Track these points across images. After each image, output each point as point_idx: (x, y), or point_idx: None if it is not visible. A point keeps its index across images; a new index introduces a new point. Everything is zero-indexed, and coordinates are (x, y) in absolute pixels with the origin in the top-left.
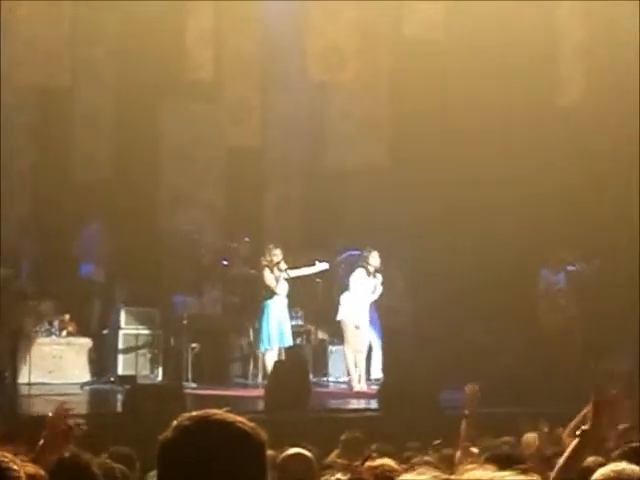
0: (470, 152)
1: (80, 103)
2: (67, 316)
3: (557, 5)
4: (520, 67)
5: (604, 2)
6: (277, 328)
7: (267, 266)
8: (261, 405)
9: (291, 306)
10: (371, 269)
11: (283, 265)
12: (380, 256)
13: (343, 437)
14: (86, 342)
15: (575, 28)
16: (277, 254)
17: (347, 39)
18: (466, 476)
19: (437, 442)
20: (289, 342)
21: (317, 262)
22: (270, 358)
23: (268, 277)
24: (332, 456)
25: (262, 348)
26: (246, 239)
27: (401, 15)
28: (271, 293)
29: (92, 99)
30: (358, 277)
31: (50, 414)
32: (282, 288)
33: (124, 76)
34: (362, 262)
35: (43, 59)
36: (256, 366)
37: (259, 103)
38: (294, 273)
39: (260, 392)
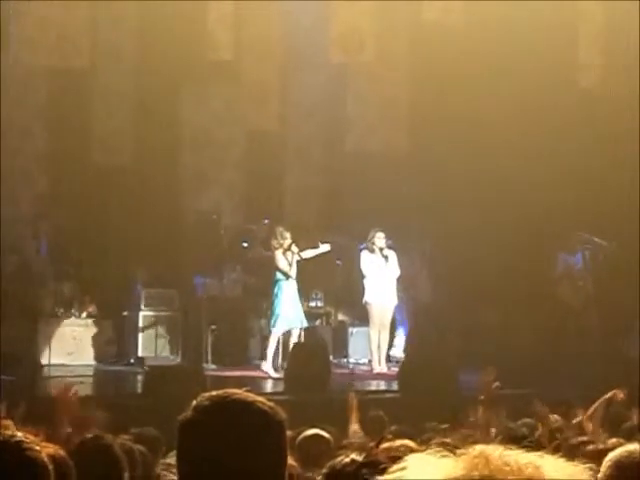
0: (488, 135)
1: (99, 84)
2: (87, 297)
3: None
4: (539, 50)
5: None
6: (293, 310)
7: (278, 249)
8: (281, 386)
9: (311, 288)
10: (375, 249)
11: (295, 248)
12: (396, 238)
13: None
14: (106, 324)
15: (595, 11)
16: (287, 237)
17: (367, 22)
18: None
19: (444, 426)
20: (305, 323)
21: (320, 243)
22: (287, 340)
23: (281, 260)
24: (350, 432)
25: (278, 330)
26: (265, 221)
27: None
28: (284, 275)
29: (111, 80)
30: (364, 258)
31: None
32: (294, 271)
33: (143, 57)
34: (367, 243)
35: (60, 40)
36: (277, 348)
37: (279, 85)
38: (305, 255)
39: (280, 373)
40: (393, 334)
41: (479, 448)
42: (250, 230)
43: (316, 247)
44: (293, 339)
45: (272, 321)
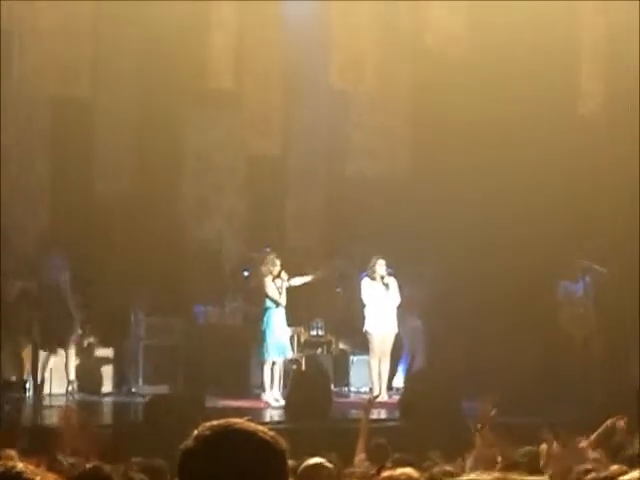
0: (489, 162)
1: (101, 113)
2: (88, 326)
3: (578, 16)
4: (541, 78)
5: (626, 14)
6: (281, 339)
7: (267, 276)
8: (282, 415)
9: (311, 316)
10: (376, 276)
11: (284, 275)
12: (397, 264)
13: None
14: (107, 352)
15: (596, 38)
16: (277, 264)
17: (369, 50)
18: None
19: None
20: (290, 354)
21: (311, 270)
22: (275, 369)
23: (270, 287)
24: (356, 460)
25: (267, 359)
26: (267, 249)
27: (423, 27)
28: (274, 303)
29: (113, 109)
30: (364, 286)
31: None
32: (284, 298)
33: (146, 85)
34: (367, 270)
35: (63, 70)
36: (278, 377)
37: (281, 112)
38: (295, 282)
39: (281, 403)
40: (394, 362)
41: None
42: (251, 258)
43: (307, 274)
44: (279, 368)
45: (263, 350)
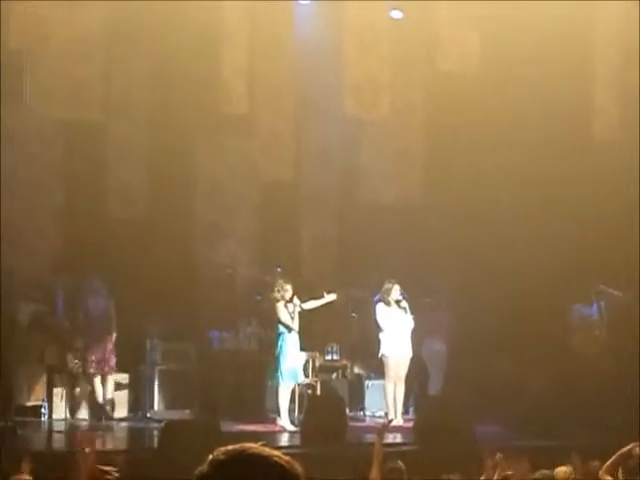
0: (503, 185)
1: (113, 137)
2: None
3: (591, 38)
4: (554, 99)
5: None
6: (294, 364)
7: (280, 301)
8: (297, 440)
9: (326, 341)
10: (391, 301)
11: (296, 300)
12: (412, 289)
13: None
14: (122, 378)
15: (610, 58)
16: (288, 289)
17: (381, 73)
18: None
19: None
20: (302, 379)
21: (325, 294)
22: (286, 394)
23: (282, 312)
24: None
25: (281, 383)
26: (278, 269)
27: (435, 50)
28: (286, 328)
29: (125, 133)
30: (379, 310)
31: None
32: (296, 323)
33: (158, 110)
34: (382, 295)
35: (74, 93)
36: (292, 401)
37: (293, 138)
38: (307, 306)
39: (296, 427)
40: (409, 387)
41: None
42: (264, 281)
43: (319, 298)
44: (288, 393)
45: (278, 375)
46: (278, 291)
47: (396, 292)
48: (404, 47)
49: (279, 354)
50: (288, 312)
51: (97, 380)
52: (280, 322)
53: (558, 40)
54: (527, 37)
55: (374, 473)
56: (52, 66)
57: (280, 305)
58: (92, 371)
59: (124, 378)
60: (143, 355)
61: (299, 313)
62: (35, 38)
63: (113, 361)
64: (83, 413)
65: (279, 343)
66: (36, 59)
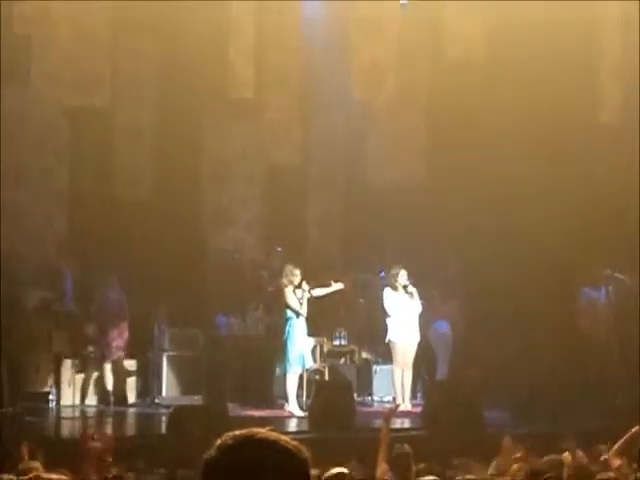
0: (508, 168)
1: (120, 121)
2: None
3: (595, 24)
4: (559, 85)
5: None
6: (302, 349)
7: (288, 286)
8: (305, 425)
9: (334, 326)
10: (398, 286)
11: (305, 285)
12: (418, 272)
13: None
14: (130, 364)
15: (615, 45)
16: (297, 274)
17: (387, 57)
18: None
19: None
20: (310, 364)
21: (332, 282)
22: (294, 380)
23: (291, 298)
24: (379, 472)
25: (289, 369)
26: (278, 249)
27: (441, 35)
28: (295, 313)
29: (132, 117)
30: (387, 296)
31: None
32: (305, 309)
33: (165, 95)
34: (389, 280)
35: (81, 77)
36: (300, 386)
37: (300, 121)
38: (316, 293)
39: (304, 412)
40: (417, 372)
41: None
42: (270, 266)
43: (328, 285)
44: (296, 379)
45: (287, 361)
46: (287, 276)
47: (403, 277)
48: (410, 32)
49: (287, 340)
50: (297, 298)
51: (107, 366)
52: (288, 307)
53: (563, 25)
54: (532, 23)
55: (381, 458)
56: (59, 50)
57: (288, 290)
58: (102, 357)
59: (132, 364)
60: (151, 341)
61: (307, 299)
62: (41, 22)
63: (123, 347)
64: (91, 399)
65: (287, 329)
66: (43, 44)
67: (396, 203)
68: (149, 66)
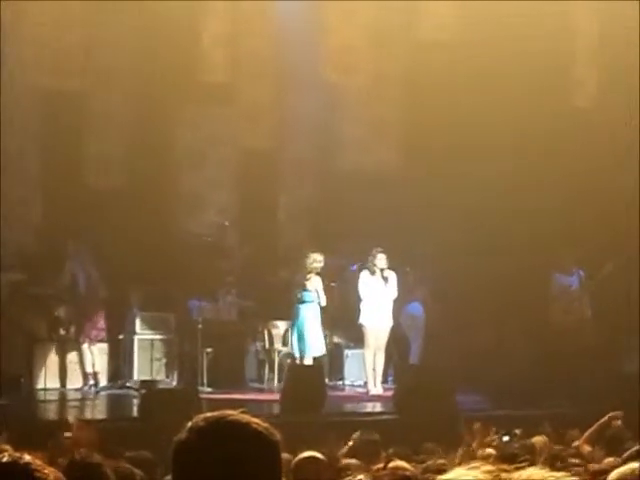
0: (482, 154)
1: (93, 106)
2: (82, 321)
3: (571, 7)
4: (534, 70)
5: (618, 4)
6: (317, 336)
7: (311, 272)
8: (277, 409)
9: None
10: (376, 269)
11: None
12: (391, 257)
13: (356, 436)
14: (102, 347)
15: (590, 29)
16: (321, 260)
17: (360, 41)
18: (517, 475)
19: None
20: (323, 351)
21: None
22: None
23: (317, 284)
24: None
25: (300, 355)
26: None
27: (414, 17)
28: (313, 299)
29: (105, 102)
30: (362, 279)
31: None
32: (323, 296)
33: (138, 78)
34: (367, 264)
35: (54, 62)
36: (272, 370)
37: (273, 105)
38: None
39: (276, 396)
40: (389, 356)
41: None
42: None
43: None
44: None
45: (299, 346)
46: (311, 264)
47: (382, 261)
48: (384, 15)
49: (300, 325)
50: (321, 284)
51: (82, 348)
52: (316, 292)
53: (538, 10)
54: (508, 6)
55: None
56: (32, 35)
57: (317, 277)
58: (76, 340)
59: (103, 348)
60: (122, 324)
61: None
62: (15, 6)
63: (97, 329)
64: (64, 382)
65: (302, 314)
66: (16, 27)
67: (370, 188)
68: (123, 51)
